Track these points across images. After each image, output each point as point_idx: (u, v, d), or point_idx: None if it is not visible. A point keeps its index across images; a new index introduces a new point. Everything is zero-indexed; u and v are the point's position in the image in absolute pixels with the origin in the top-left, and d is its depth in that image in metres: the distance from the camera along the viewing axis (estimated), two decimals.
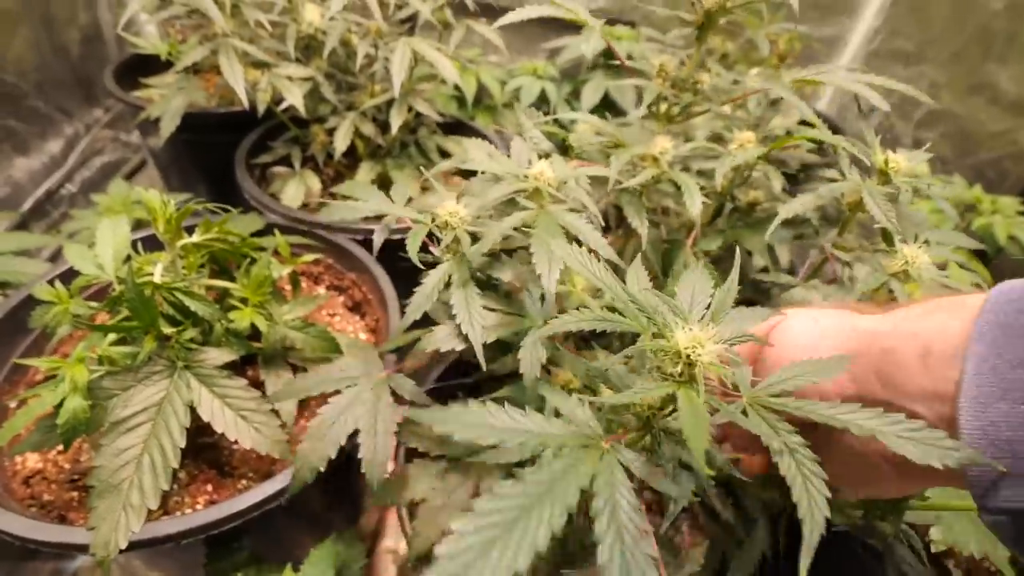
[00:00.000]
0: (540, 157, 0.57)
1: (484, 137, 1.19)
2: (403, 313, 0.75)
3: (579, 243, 0.43)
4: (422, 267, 0.50)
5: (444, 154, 1.15)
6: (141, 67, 1.28)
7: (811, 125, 0.61)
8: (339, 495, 0.84)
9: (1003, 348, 0.28)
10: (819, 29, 1.79)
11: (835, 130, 1.65)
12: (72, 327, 0.61)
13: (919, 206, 1.10)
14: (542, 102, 1.52)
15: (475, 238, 0.50)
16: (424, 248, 0.52)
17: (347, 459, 0.56)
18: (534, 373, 0.44)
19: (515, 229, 0.49)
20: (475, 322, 0.45)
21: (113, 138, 1.50)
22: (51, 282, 0.64)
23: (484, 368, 0.46)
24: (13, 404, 0.65)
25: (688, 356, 0.30)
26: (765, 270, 0.67)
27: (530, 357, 0.45)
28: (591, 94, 1.43)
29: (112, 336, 0.57)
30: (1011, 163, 1.29)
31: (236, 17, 0.86)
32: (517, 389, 0.49)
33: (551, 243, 0.41)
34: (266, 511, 0.57)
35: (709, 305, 0.38)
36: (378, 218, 0.59)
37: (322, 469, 0.49)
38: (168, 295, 0.57)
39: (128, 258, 0.65)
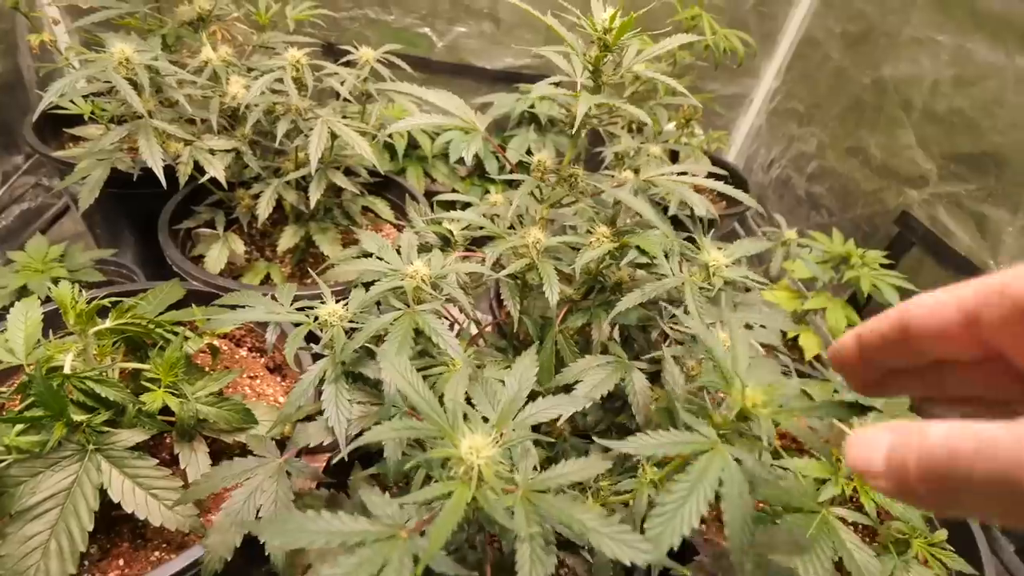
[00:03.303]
0: (424, 251, 0.64)
1: (411, 195, 1.26)
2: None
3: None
4: (296, 368, 0.56)
5: (369, 211, 1.21)
6: (63, 116, 1.28)
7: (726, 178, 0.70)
8: (257, 553, 0.87)
9: None
10: (727, 88, 1.98)
11: (740, 180, 1.82)
12: None
13: (794, 265, 1.24)
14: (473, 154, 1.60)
15: (355, 331, 0.56)
16: (315, 338, 0.58)
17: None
18: (396, 456, 0.51)
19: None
20: (341, 417, 0.52)
21: (34, 184, 1.47)
22: None
23: (345, 458, 0.53)
24: None
25: (468, 462, 0.37)
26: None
27: (392, 444, 0.52)
28: (516, 149, 1.52)
29: (19, 425, 0.60)
30: (880, 219, 1.47)
31: (161, 92, 0.90)
32: (384, 467, 0.55)
33: (392, 358, 0.48)
34: None
35: (520, 398, 0.46)
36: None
37: (228, 558, 0.54)
38: (79, 384, 0.60)
39: (39, 342, 0.67)
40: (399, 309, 0.56)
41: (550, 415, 0.49)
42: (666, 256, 0.70)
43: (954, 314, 0.29)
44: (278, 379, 0.92)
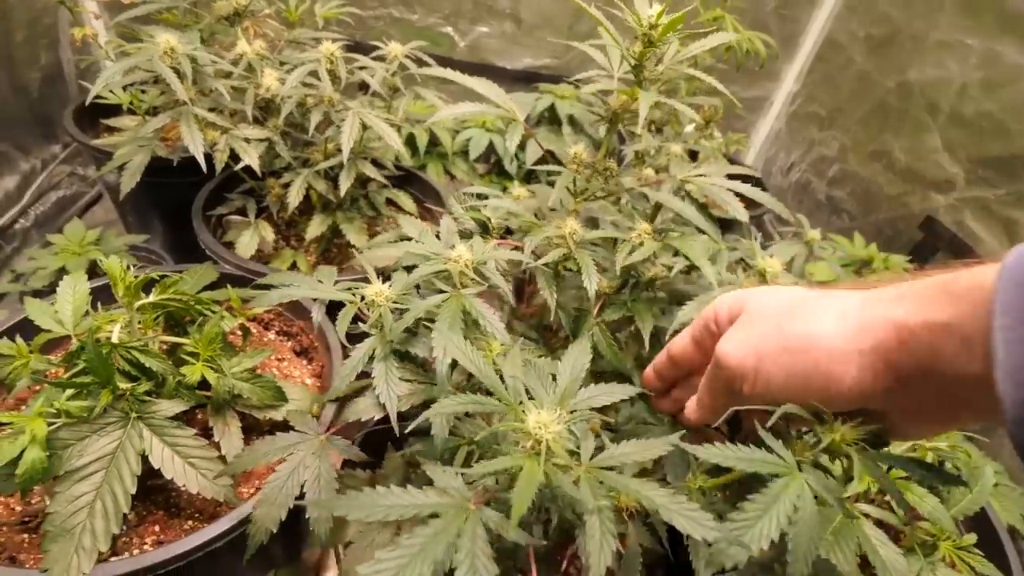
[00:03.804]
0: (465, 237, 0.66)
1: (434, 191, 1.29)
2: (345, 359, 0.82)
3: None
4: (346, 344, 0.58)
5: (394, 204, 1.24)
6: (101, 106, 1.33)
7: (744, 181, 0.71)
8: (282, 532, 0.89)
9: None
10: (747, 91, 1.98)
11: (759, 184, 1.82)
12: (33, 381, 0.66)
13: (817, 268, 1.24)
14: (490, 152, 1.62)
15: (401, 313, 0.58)
16: (357, 319, 0.60)
17: None
18: (443, 434, 0.53)
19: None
20: (392, 393, 0.54)
21: (70, 173, 1.52)
22: (10, 335, 0.69)
23: (397, 433, 0.54)
24: None
25: (535, 435, 0.39)
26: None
27: (440, 421, 0.53)
28: (535, 148, 1.54)
29: (69, 390, 0.62)
30: (903, 224, 1.46)
31: (197, 83, 0.93)
32: (428, 444, 0.57)
33: (447, 334, 0.50)
34: (212, 550, 0.63)
35: (577, 380, 0.47)
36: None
37: (275, 530, 0.56)
38: (125, 353, 0.63)
39: (87, 313, 0.70)
40: (444, 292, 0.58)
41: (603, 401, 0.51)
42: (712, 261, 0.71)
43: (689, 342, 0.56)
44: (304, 362, 0.94)
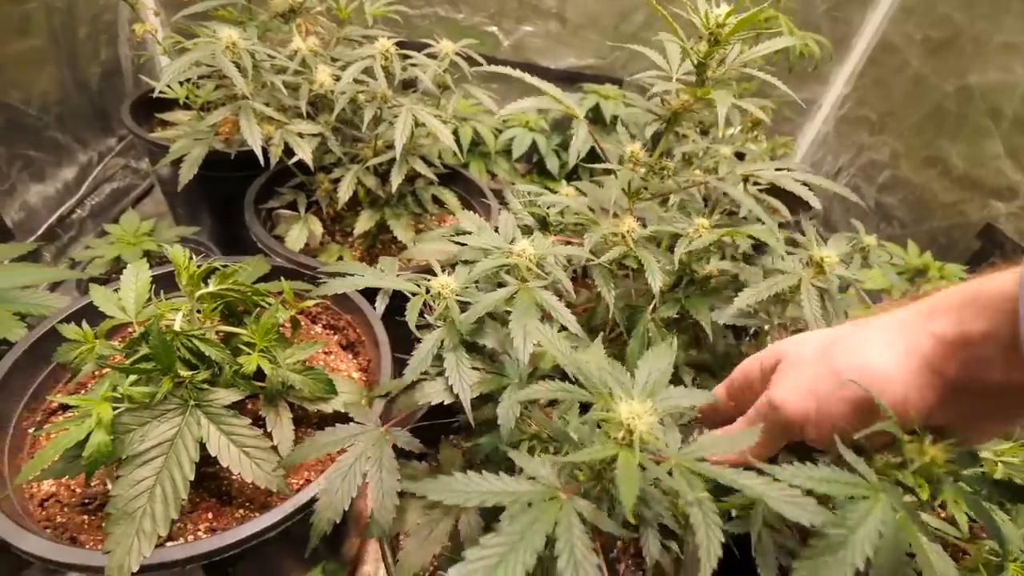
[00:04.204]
0: (524, 232, 0.66)
1: (478, 189, 1.29)
2: (393, 353, 0.82)
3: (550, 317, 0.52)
4: (417, 337, 0.57)
5: (438, 201, 1.24)
6: (155, 101, 1.36)
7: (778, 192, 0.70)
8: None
9: None
10: (795, 93, 1.93)
11: (806, 186, 1.77)
12: (96, 366, 0.68)
13: (868, 274, 1.20)
14: (533, 151, 1.62)
15: (462, 305, 0.58)
16: (419, 312, 0.60)
17: None
18: (510, 424, 0.52)
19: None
20: (464, 382, 0.53)
21: (124, 165, 1.57)
22: (77, 320, 0.71)
23: (471, 421, 0.54)
24: (32, 430, 0.71)
25: (628, 425, 0.38)
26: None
27: (507, 412, 0.53)
28: (576, 147, 1.53)
29: (132, 376, 0.64)
30: (959, 232, 1.40)
31: (255, 78, 0.95)
32: (494, 436, 0.56)
33: (527, 322, 0.49)
34: (263, 540, 0.63)
35: (658, 379, 0.46)
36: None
37: (338, 520, 0.56)
38: (187, 342, 0.64)
39: (148, 300, 0.72)
40: (509, 286, 0.57)
41: (685, 403, 0.50)
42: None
43: (724, 396, 0.56)
44: (350, 356, 0.95)
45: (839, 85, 1.88)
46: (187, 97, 1.23)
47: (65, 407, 0.76)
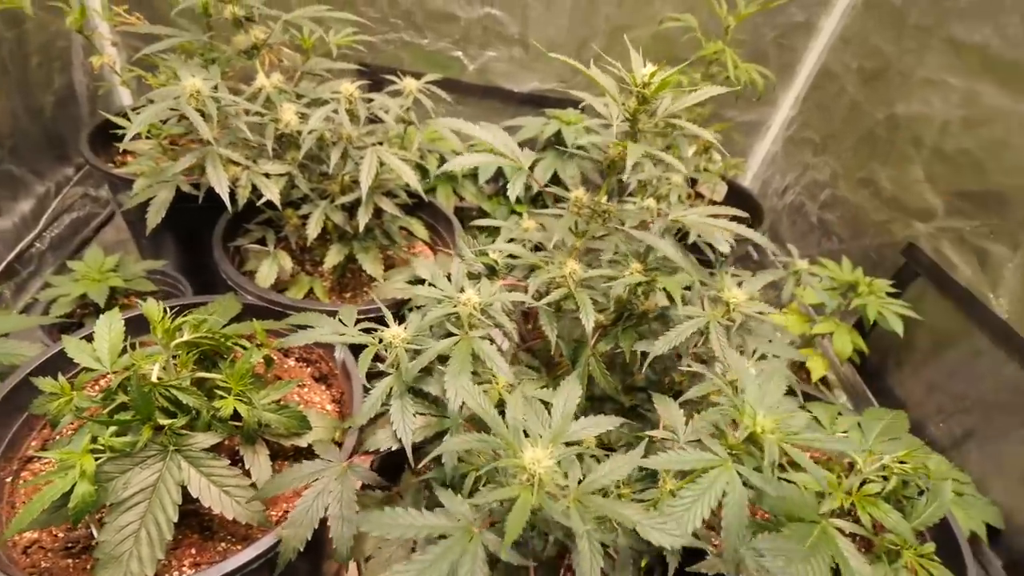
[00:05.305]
0: (473, 278, 0.71)
1: (443, 215, 1.34)
2: (365, 387, 0.86)
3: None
4: (367, 386, 0.63)
5: (405, 231, 1.29)
6: (114, 128, 1.34)
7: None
8: (307, 549, 0.94)
9: None
10: (745, 115, 2.04)
11: (756, 205, 1.88)
12: (74, 417, 0.70)
13: (806, 292, 1.30)
14: (499, 176, 1.67)
15: (413, 353, 0.64)
16: (376, 356, 0.66)
17: None
18: (452, 462, 0.59)
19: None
20: (407, 428, 0.59)
21: (83, 194, 1.55)
22: (49, 370, 0.73)
23: (412, 464, 0.60)
24: (8, 479, 0.73)
25: (530, 470, 0.45)
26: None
27: (450, 452, 0.59)
28: (542, 173, 1.60)
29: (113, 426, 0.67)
30: (888, 250, 1.53)
31: (220, 123, 0.98)
32: (441, 471, 0.62)
33: (458, 379, 0.56)
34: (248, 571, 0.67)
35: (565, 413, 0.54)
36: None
37: (301, 549, 0.61)
38: (164, 391, 0.67)
39: (123, 351, 0.74)
40: (455, 335, 0.63)
41: (591, 433, 0.56)
42: (688, 289, 0.77)
43: None
44: (323, 388, 0.99)
45: (786, 108, 2.01)
46: (149, 130, 1.23)
47: (44, 458, 0.78)
